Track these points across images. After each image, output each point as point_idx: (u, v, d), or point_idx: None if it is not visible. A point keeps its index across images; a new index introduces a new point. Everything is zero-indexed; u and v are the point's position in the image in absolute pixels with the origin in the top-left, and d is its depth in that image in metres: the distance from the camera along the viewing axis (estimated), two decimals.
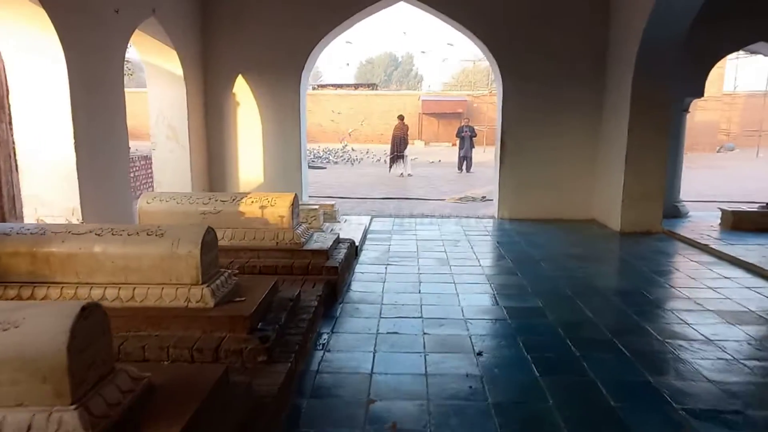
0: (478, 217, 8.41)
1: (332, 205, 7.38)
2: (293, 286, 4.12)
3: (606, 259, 6.09)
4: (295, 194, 4.86)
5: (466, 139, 17.17)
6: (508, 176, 7.97)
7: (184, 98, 7.20)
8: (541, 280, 5.03)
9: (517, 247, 6.36)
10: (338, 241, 5.32)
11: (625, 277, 5.38)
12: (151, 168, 9.00)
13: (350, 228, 6.81)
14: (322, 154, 22.52)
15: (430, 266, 5.44)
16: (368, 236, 6.86)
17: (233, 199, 4.79)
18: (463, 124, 17.59)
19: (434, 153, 26.21)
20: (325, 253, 4.64)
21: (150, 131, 7.32)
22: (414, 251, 6.07)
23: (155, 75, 7.15)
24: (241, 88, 7.89)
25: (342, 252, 4.96)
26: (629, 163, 6.97)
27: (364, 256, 5.83)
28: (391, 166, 15.97)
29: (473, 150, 17.54)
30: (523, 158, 7.90)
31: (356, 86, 37.30)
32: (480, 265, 5.52)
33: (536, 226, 7.59)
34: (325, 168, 18.27)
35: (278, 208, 4.71)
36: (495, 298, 4.51)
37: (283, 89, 7.87)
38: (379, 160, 20.97)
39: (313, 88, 37.49)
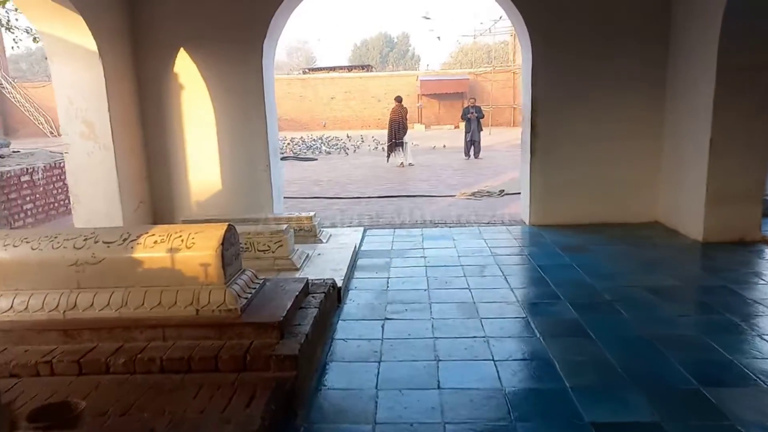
0: (502, 223, 6.50)
1: (310, 218, 5.51)
2: (211, 406, 2.27)
3: (710, 293, 4.14)
4: (229, 227, 2.97)
5: (473, 121, 15.19)
6: (540, 170, 6.06)
7: (101, 82, 5.29)
8: (632, 349, 3.14)
9: (569, 275, 4.47)
10: (307, 290, 3.44)
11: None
12: (63, 178, 7.09)
13: (332, 253, 4.93)
14: (313, 143, 20.56)
15: (450, 322, 3.56)
16: (358, 262, 4.98)
17: (124, 239, 2.91)
18: (468, 104, 15.60)
19: (436, 137, 24.22)
20: (276, 328, 2.76)
21: (60, 128, 5.42)
22: (424, 289, 4.19)
23: (59, 51, 5.23)
24: (184, 66, 5.97)
25: (309, 316, 3.08)
26: (715, 151, 5.05)
27: (350, 304, 3.95)
28: (389, 156, 14.03)
29: (481, 133, 15.57)
30: (561, 148, 5.98)
31: (350, 68, 35.14)
32: (525, 316, 3.64)
33: (582, 235, 5.69)
34: (315, 159, 16.35)
35: (199, 252, 2.84)
36: (570, 397, 2.63)
37: (242, 66, 5.94)
38: (376, 148, 19.02)
39: (304, 72, 35.38)
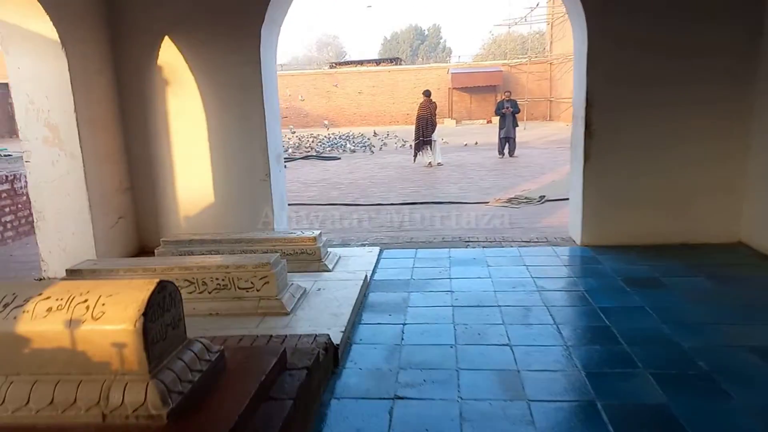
0: (547, 241, 5.41)
1: (314, 239, 4.55)
2: None
3: None
4: (160, 285, 2.02)
5: (508, 116, 14.01)
6: (596, 179, 4.94)
7: (65, 77, 4.43)
8: None
9: (642, 324, 3.39)
10: (284, 363, 2.48)
11: None
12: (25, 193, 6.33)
13: (337, 287, 3.96)
14: (338, 140, 19.66)
15: (485, 406, 2.54)
16: (369, 298, 4.00)
17: (5, 305, 1.99)
18: (503, 98, 14.42)
19: (467, 133, 23.03)
20: None
21: (20, 132, 4.59)
22: (450, 345, 3.18)
23: (15, 39, 4.39)
24: (170, 57, 5.07)
25: (277, 417, 2.10)
26: None
27: (351, 368, 2.97)
28: (416, 155, 12.98)
29: (516, 129, 14.37)
30: (622, 151, 4.86)
31: (378, 62, 34.12)
32: (591, 398, 2.59)
33: (649, 261, 4.57)
34: (338, 158, 15.43)
35: (111, 325, 1.90)
36: None
37: (236, 56, 5.01)
38: (403, 146, 17.99)
39: (331, 66, 34.54)
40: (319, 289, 3.91)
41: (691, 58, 4.67)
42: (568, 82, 26.85)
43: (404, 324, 3.50)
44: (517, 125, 14.42)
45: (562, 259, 4.76)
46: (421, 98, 13.13)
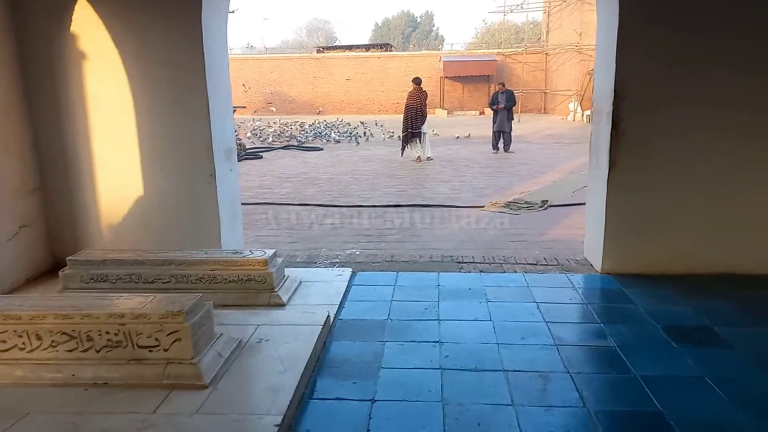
0: (557, 264, 4.41)
1: (265, 262, 3.52)
2: None
3: None
4: None
5: (501, 110, 12.97)
6: (624, 192, 3.92)
7: None
8: None
9: (704, 408, 2.40)
10: None
11: None
12: None
13: (286, 334, 2.92)
14: (323, 129, 18.53)
15: None
16: (330, 351, 2.97)
17: None
18: (497, 89, 13.37)
19: (459, 124, 22.01)
20: None
21: None
22: None
23: None
24: (86, 24, 3.97)
25: None
26: None
27: None
28: (403, 148, 11.91)
29: (512, 123, 13.35)
30: (660, 158, 3.84)
31: (368, 48, 32.84)
32: None
33: (695, 299, 3.59)
34: (321, 149, 14.32)
35: None
36: None
37: (172, 26, 3.92)
38: (391, 136, 16.91)
39: (318, 51, 33.24)
40: (260, 340, 2.88)
41: (761, 38, 3.66)
42: (564, 74, 25.87)
43: (373, 400, 2.48)
44: (513, 118, 13.40)
45: (581, 294, 3.76)
46: (411, 86, 12.05)
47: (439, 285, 3.90)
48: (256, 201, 7.56)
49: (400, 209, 7.00)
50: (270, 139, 16.10)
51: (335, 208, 7.12)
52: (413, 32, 58.19)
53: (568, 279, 4.00)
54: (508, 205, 7.08)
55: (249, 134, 17.57)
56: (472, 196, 7.88)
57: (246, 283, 3.50)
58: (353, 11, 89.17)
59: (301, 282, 3.84)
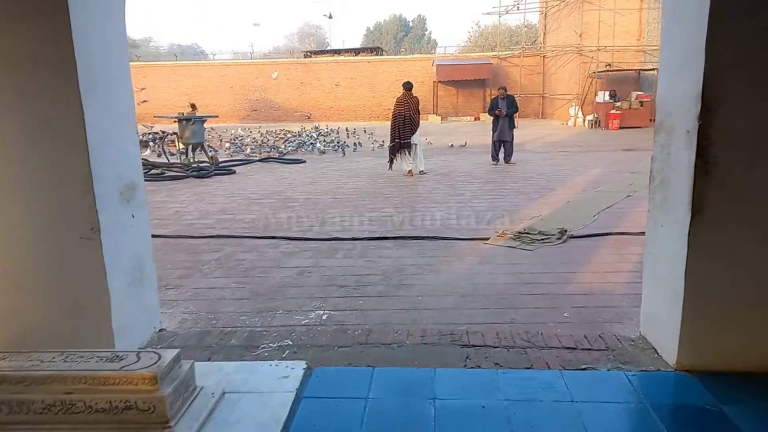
0: (607, 350, 3.06)
1: (153, 379, 2.17)
2: None
3: None
4: None
5: (502, 117, 11.66)
6: (715, 252, 2.59)
7: None
8: None
9: None
10: None
11: None
12: None
13: None
14: (307, 139, 17.19)
15: None
16: None
17: None
18: (498, 95, 12.07)
19: (454, 132, 20.75)
20: None
21: None
22: None
23: None
24: None
25: None
26: None
27: None
28: (391, 161, 10.58)
29: (513, 131, 12.06)
30: None
31: (357, 52, 31.55)
32: None
33: None
34: (303, 162, 12.97)
35: None
36: None
37: (27, 12, 2.58)
38: (381, 146, 15.60)
39: (306, 56, 31.94)
40: None
41: None
42: (563, 78, 24.67)
43: None
44: (515, 126, 12.11)
45: (658, 414, 2.41)
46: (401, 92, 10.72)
47: (435, 397, 2.54)
48: (210, 233, 6.20)
49: (385, 243, 5.67)
50: (248, 151, 14.75)
51: (306, 242, 5.78)
52: (405, 36, 57.10)
53: (629, 382, 2.66)
54: (518, 236, 5.75)
55: (228, 145, 16.21)
56: (474, 222, 6.56)
57: (122, 414, 2.16)
58: (345, 16, 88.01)
59: (223, 395, 2.49)
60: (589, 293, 4.12)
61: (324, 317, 3.77)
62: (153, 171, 11.05)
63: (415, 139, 10.32)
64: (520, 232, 5.87)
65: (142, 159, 11.79)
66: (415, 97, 10.47)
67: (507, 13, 27.09)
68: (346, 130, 20.05)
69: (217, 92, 29.12)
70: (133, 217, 3.06)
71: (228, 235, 6.09)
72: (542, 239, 5.65)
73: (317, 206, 7.70)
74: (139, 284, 3.14)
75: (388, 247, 5.52)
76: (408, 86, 10.42)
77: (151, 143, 14.78)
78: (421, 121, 10.62)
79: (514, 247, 5.42)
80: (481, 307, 3.91)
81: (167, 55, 46.70)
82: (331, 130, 21.28)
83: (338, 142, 16.09)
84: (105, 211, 2.77)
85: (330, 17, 60.66)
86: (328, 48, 41.46)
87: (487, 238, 5.74)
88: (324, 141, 16.49)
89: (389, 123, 10.59)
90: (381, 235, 5.95)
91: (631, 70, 22.07)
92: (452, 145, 16.00)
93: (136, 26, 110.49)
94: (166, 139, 13.30)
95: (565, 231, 5.87)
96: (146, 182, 9.56)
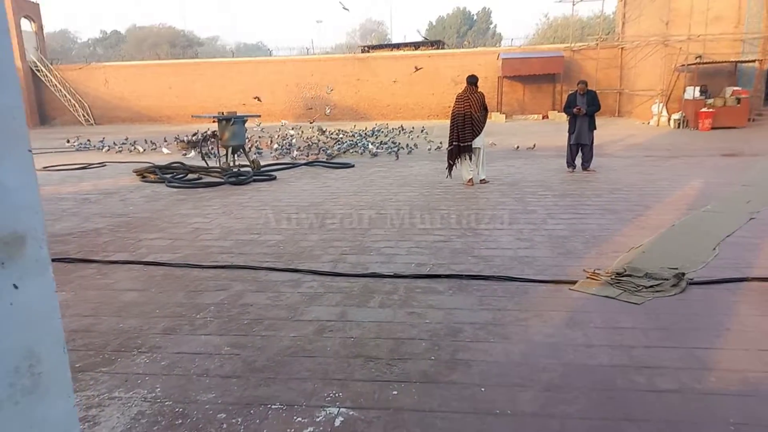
0: None
1: None
2: None
3: None
4: None
5: (581, 117, 10.01)
6: None
7: None
8: None
9: None
10: None
11: None
12: None
13: None
14: (360, 140, 16.05)
15: None
16: None
17: None
18: (577, 90, 10.38)
19: (521, 132, 19.03)
20: None
21: None
22: None
23: None
24: None
25: None
26: None
27: None
28: (450, 167, 9.18)
29: (593, 132, 10.36)
30: None
31: (417, 46, 30.14)
32: None
33: None
34: (351, 166, 11.79)
35: None
36: None
37: None
38: (438, 148, 14.23)
39: (363, 51, 30.86)
40: None
41: None
42: (645, 72, 22.31)
43: None
44: (595, 127, 10.41)
45: None
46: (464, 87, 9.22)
47: None
48: (223, 262, 5.08)
49: (436, 284, 4.34)
50: (295, 153, 13.74)
51: (336, 279, 4.53)
52: (469, 30, 55.13)
53: None
54: (617, 279, 4.27)
55: (275, 146, 15.31)
56: (551, 253, 5.10)
57: None
58: (406, 11, 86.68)
59: None
60: (748, 392, 2.64)
61: (337, 423, 2.51)
62: (189, 176, 10.19)
63: (479, 142, 8.88)
64: (619, 274, 4.38)
65: (177, 163, 11.04)
66: (480, 92, 9.00)
67: (580, 1, 24.90)
68: (402, 129, 18.76)
69: (272, 89, 28.56)
70: (15, 288, 1.88)
71: (242, 266, 4.93)
72: (651, 286, 4.14)
73: (358, 225, 6.45)
74: (29, 395, 1.95)
75: (439, 291, 4.19)
76: (472, 80, 8.96)
77: (196, 145, 14.07)
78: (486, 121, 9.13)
79: (614, 298, 3.95)
80: (580, 415, 2.54)
81: (236, 54, 47.11)
82: (385, 129, 20.07)
83: (392, 144, 14.83)
84: None
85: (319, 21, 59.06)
86: (387, 43, 40.29)
87: (574, 281, 4.29)
88: (377, 142, 15.28)
89: (449, 122, 9.19)
90: (431, 272, 4.62)
91: (727, 62, 19.50)
92: (518, 148, 14.40)
93: (201, 25, 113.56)
94: (207, 141, 12.47)
95: (683, 274, 4.31)
96: (177, 189, 8.67)
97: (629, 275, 4.34)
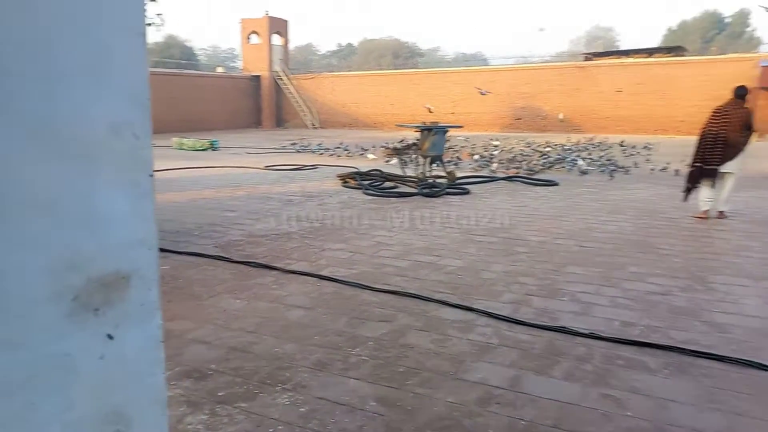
0: None
1: None
2: None
3: None
4: None
5: None
6: None
7: None
8: None
9: None
10: None
11: None
12: None
13: None
14: (569, 154, 14.64)
15: None
16: None
17: None
18: None
19: None
20: None
21: None
22: None
23: None
24: None
25: None
26: None
27: None
28: (688, 190, 7.53)
29: None
30: None
31: (651, 52, 26.78)
32: None
33: None
34: (555, 184, 10.65)
35: None
36: None
37: None
38: (664, 169, 12.19)
39: (586, 59, 28.57)
40: None
41: None
42: None
43: None
44: None
45: None
46: (728, 99, 7.38)
47: None
48: (393, 286, 4.70)
49: (646, 357, 3.34)
50: (494, 166, 13.05)
51: (515, 328, 3.81)
52: (718, 35, 47.82)
53: None
54: None
55: (476, 157, 14.80)
56: None
57: None
58: (641, 16, 78.95)
59: None
60: None
61: None
62: (386, 184, 10.24)
63: (731, 166, 7.14)
64: None
65: (376, 170, 11.20)
66: (747, 108, 7.21)
67: None
68: (621, 144, 16.71)
69: (482, 99, 28.15)
70: (110, 338, 1.63)
71: (413, 294, 4.49)
72: None
73: (552, 258, 5.56)
74: None
75: (650, 369, 3.20)
76: (741, 93, 7.17)
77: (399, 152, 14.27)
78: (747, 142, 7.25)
79: None
80: None
81: (453, 64, 48.21)
82: (596, 143, 18.14)
83: (607, 161, 13.18)
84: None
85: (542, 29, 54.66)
86: (614, 50, 36.82)
87: None
88: (588, 158, 13.76)
89: (680, 138, 7.63)
90: (640, 338, 3.60)
91: None
92: None
93: (425, 37, 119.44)
94: (410, 149, 12.49)
95: None
96: (372, 197, 8.68)
97: None
